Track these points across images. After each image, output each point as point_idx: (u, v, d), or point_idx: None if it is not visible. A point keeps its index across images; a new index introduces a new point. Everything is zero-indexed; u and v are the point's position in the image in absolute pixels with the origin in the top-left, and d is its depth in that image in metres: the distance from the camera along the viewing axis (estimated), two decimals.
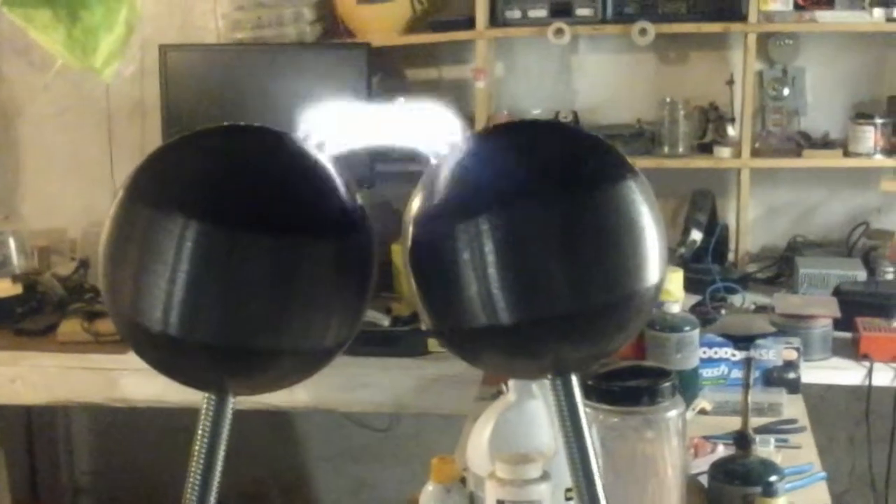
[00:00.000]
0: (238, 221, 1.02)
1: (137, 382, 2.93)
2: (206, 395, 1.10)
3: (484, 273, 1.05)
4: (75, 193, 3.68)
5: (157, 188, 1.06)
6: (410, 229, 1.11)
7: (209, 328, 1.03)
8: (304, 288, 1.05)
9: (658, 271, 1.11)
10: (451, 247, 1.06)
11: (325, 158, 1.11)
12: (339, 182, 1.10)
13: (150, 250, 1.02)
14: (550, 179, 1.07)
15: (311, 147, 1.11)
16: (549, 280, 1.05)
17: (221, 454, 1.11)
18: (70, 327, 3.11)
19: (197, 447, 1.10)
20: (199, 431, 1.10)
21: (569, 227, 1.06)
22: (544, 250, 1.05)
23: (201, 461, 1.10)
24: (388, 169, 3.30)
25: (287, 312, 1.05)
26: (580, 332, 1.09)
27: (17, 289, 3.26)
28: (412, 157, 3.47)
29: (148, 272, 1.02)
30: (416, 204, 1.12)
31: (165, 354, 1.07)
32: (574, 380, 1.13)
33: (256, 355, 1.07)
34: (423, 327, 1.16)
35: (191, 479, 1.09)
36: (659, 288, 1.12)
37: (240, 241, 1.02)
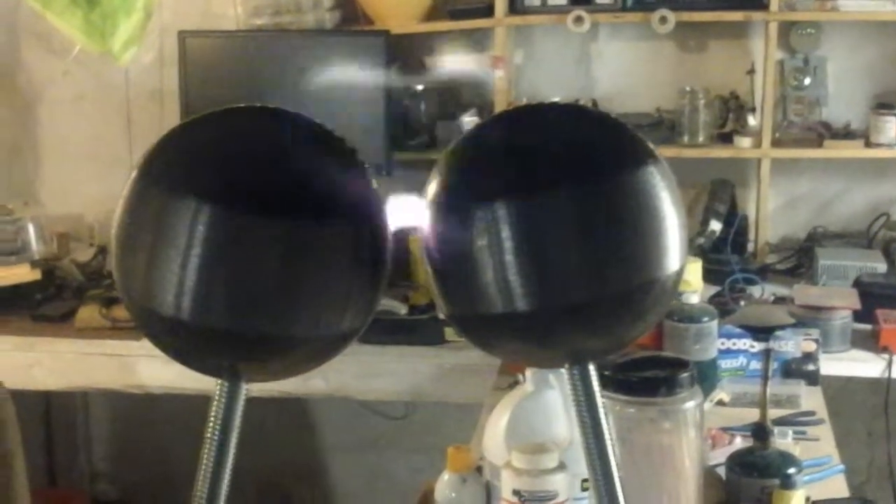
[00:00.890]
0: (251, 205, 1.01)
1: (154, 368, 2.94)
2: (219, 381, 1.09)
3: (500, 259, 1.03)
4: (94, 180, 3.68)
5: (169, 171, 1.05)
6: (427, 214, 1.09)
7: (221, 313, 1.02)
8: (317, 273, 1.03)
9: (679, 259, 1.08)
10: (468, 232, 1.05)
11: (342, 140, 1.09)
12: (356, 165, 1.08)
13: (163, 234, 1.01)
14: (570, 164, 1.06)
15: (327, 129, 1.09)
16: (567, 267, 1.04)
17: (234, 441, 1.09)
18: (88, 313, 3.11)
19: (209, 434, 1.09)
20: (212, 418, 1.09)
21: (588, 213, 1.04)
22: (562, 237, 1.04)
23: (213, 448, 1.08)
24: (405, 157, 3.30)
25: (300, 298, 1.03)
26: (598, 320, 1.07)
27: (35, 275, 3.27)
28: (430, 146, 3.46)
29: (160, 256, 1.01)
30: (432, 189, 1.10)
31: (177, 340, 1.06)
32: (592, 369, 1.11)
33: (269, 341, 1.05)
34: (440, 314, 1.15)
35: (203, 466, 1.09)
36: (679, 276, 1.10)
37: (253, 226, 1.01)
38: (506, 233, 1.03)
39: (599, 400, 1.12)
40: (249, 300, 1.02)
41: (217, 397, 1.09)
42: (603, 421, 1.12)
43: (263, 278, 1.02)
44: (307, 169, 1.05)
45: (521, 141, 1.08)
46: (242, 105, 1.10)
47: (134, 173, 1.06)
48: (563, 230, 1.03)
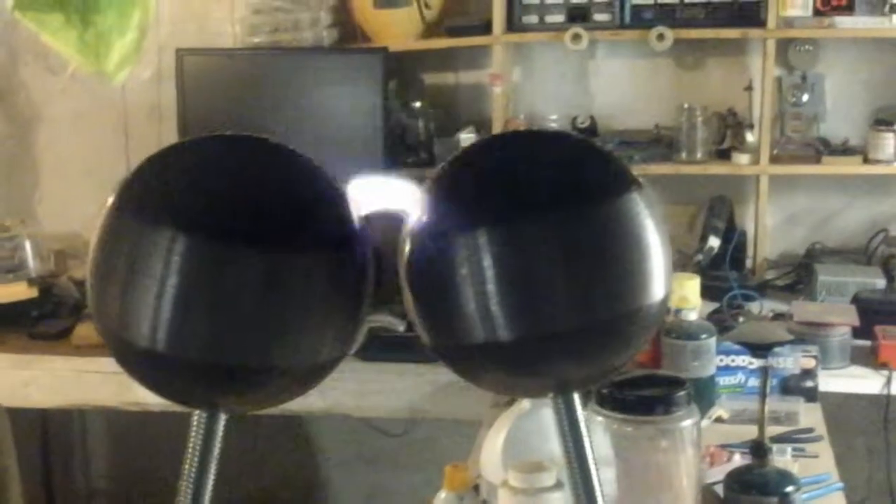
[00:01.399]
0: (228, 234, 0.99)
1: None
2: (197, 412, 1.07)
3: (482, 288, 1.01)
4: (92, 197, 3.63)
5: (144, 200, 1.03)
6: (407, 244, 1.08)
7: (198, 345, 1.00)
8: (296, 303, 1.02)
9: (663, 286, 1.07)
10: (449, 262, 1.03)
11: (320, 168, 1.07)
12: (334, 192, 1.06)
13: (138, 264, 1.00)
14: (553, 191, 1.04)
15: (304, 156, 1.08)
16: (550, 295, 1.02)
17: (212, 473, 1.08)
18: (85, 331, 3.10)
19: (187, 466, 1.07)
20: (189, 449, 1.07)
21: (570, 242, 1.02)
22: (545, 265, 1.02)
23: (191, 480, 1.07)
24: (402, 174, 3.29)
25: (279, 328, 1.02)
26: (582, 349, 1.06)
27: (32, 292, 3.26)
28: (428, 163, 3.45)
29: (135, 287, 1.00)
30: (413, 216, 1.08)
31: (153, 372, 1.05)
32: (576, 399, 1.10)
33: (247, 373, 1.03)
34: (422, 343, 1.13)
35: (180, 499, 1.07)
36: (665, 303, 1.09)
37: (230, 255, 0.99)
38: (487, 261, 1.01)
39: (584, 430, 1.11)
40: (227, 331, 1.00)
41: (195, 428, 1.07)
42: (588, 451, 1.11)
43: (241, 309, 1.00)
44: (284, 197, 1.04)
45: (504, 168, 1.07)
46: (217, 133, 1.08)
47: (109, 202, 1.05)
48: (546, 258, 1.02)
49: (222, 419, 1.08)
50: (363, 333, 1.11)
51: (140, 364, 1.05)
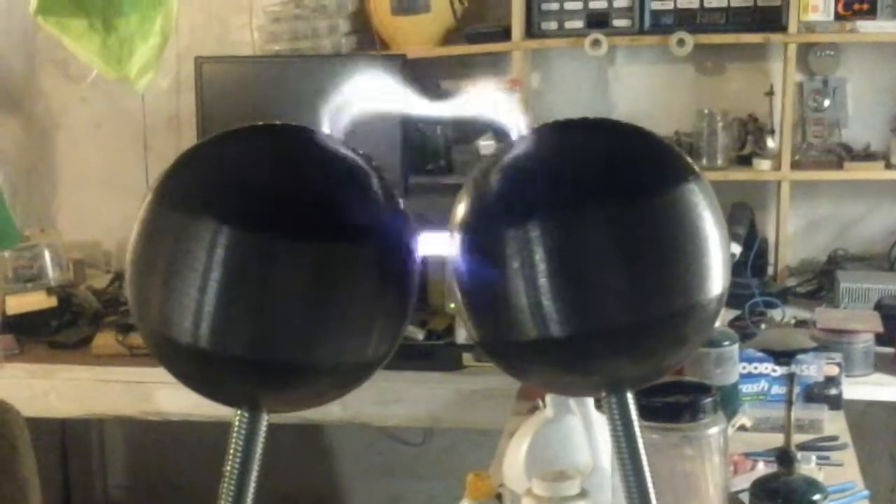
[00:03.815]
0: (273, 226, 0.96)
1: (171, 395, 2.93)
2: (238, 412, 1.04)
3: (534, 283, 0.98)
4: (111, 206, 3.68)
5: (187, 191, 1.00)
6: (456, 235, 1.04)
7: (242, 341, 0.97)
8: (343, 298, 0.98)
9: (721, 281, 1.03)
10: (500, 254, 0.99)
11: (365, 158, 1.05)
12: (380, 185, 1.03)
13: (180, 257, 0.96)
14: (607, 183, 1.00)
15: (347, 147, 1.05)
16: (605, 291, 0.98)
17: (255, 475, 1.04)
18: (104, 340, 3.11)
19: (229, 467, 1.03)
20: (231, 450, 1.04)
21: (626, 234, 0.98)
22: (600, 259, 0.98)
23: (233, 482, 1.03)
24: (422, 181, 3.29)
25: (325, 324, 0.98)
26: (637, 346, 1.02)
27: (52, 301, 3.26)
28: (447, 170, 3.43)
29: (177, 281, 0.96)
30: (461, 209, 1.05)
31: (195, 369, 1.01)
32: (630, 398, 1.06)
33: (292, 370, 1.00)
34: (465, 340, 1.10)
35: (221, 502, 1.03)
36: (722, 299, 1.05)
37: (275, 248, 0.96)
38: (539, 255, 0.97)
39: (638, 430, 1.07)
40: (271, 326, 0.97)
41: (236, 429, 1.04)
42: (642, 452, 1.06)
43: (286, 303, 0.97)
44: (332, 189, 1.00)
45: (555, 158, 1.03)
46: (262, 123, 1.06)
47: (149, 195, 1.01)
48: (600, 252, 0.98)
49: (265, 419, 1.04)
50: (406, 331, 1.08)
51: (181, 361, 1.01)
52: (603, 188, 1.00)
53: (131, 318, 1.04)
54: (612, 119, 1.11)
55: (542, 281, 0.98)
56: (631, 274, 0.99)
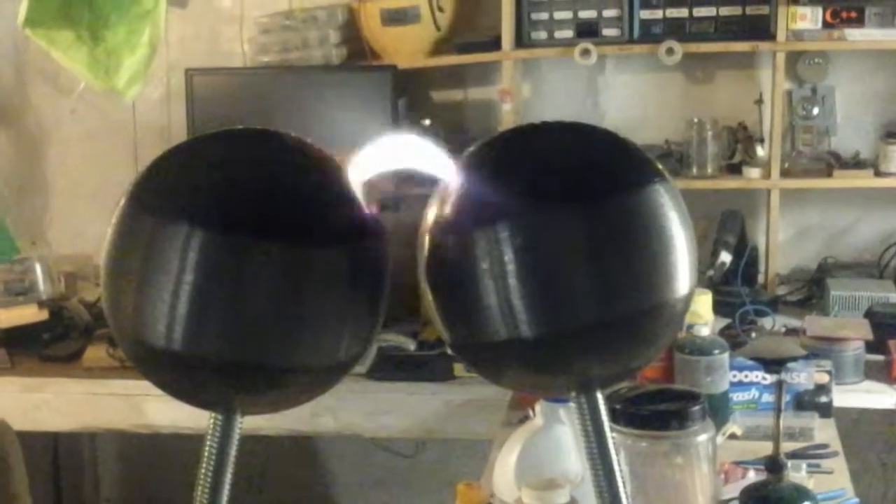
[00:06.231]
0: (246, 229, 0.97)
1: (163, 408, 2.93)
2: (213, 414, 1.05)
3: (504, 283, 0.99)
4: (102, 219, 3.58)
5: (159, 195, 1.01)
6: (426, 239, 1.06)
7: (215, 343, 0.98)
8: (315, 300, 1.00)
9: (688, 281, 1.05)
10: (469, 256, 1.01)
11: (335, 162, 1.05)
12: (351, 188, 1.04)
13: (153, 261, 0.97)
14: (574, 183, 1.02)
15: (319, 150, 1.06)
16: (573, 290, 1.00)
17: (228, 477, 1.05)
18: (96, 353, 3.10)
19: (203, 470, 1.04)
20: (205, 453, 1.04)
21: (593, 234, 1.00)
22: (567, 258, 1.00)
23: (207, 485, 1.04)
24: (413, 192, 3.28)
25: (298, 326, 0.99)
26: (606, 345, 1.03)
27: (43, 315, 3.25)
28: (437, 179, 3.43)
29: (150, 284, 0.97)
30: (431, 213, 1.06)
31: (169, 372, 1.02)
32: (600, 398, 1.07)
33: (265, 372, 1.01)
34: (449, 350, 1.11)
35: None
36: (689, 299, 1.06)
37: (248, 251, 0.97)
38: (508, 255, 0.99)
39: (608, 430, 1.08)
40: (244, 328, 0.98)
41: (210, 432, 1.05)
42: (612, 451, 1.08)
43: (259, 305, 0.98)
44: (303, 192, 1.02)
45: (524, 160, 1.05)
46: (233, 128, 1.07)
47: (122, 200, 1.03)
48: (568, 252, 1.00)
49: (239, 421, 1.05)
50: (379, 332, 1.09)
51: (155, 364, 1.02)
52: (570, 189, 1.02)
53: (107, 322, 1.05)
54: (580, 122, 1.12)
55: (512, 281, 0.99)
56: (598, 273, 1.00)
